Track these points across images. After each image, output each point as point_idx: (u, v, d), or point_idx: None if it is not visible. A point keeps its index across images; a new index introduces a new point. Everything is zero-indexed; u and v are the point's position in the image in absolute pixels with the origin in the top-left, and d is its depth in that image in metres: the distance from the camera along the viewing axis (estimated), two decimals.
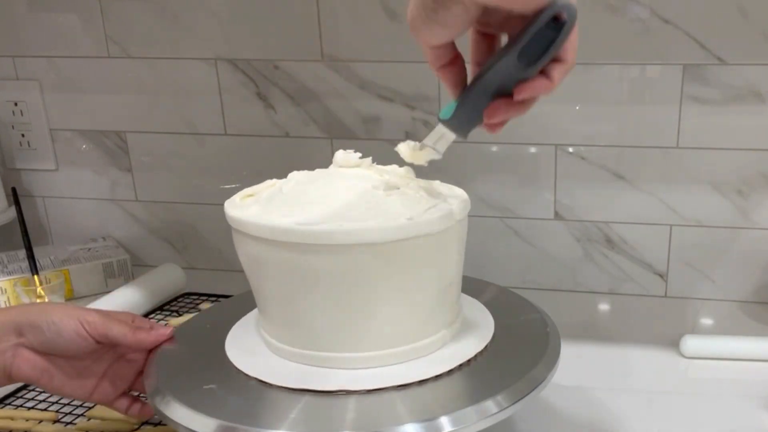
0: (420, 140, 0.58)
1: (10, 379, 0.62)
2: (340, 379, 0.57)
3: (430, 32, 0.49)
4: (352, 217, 0.57)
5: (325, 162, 0.66)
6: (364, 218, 0.56)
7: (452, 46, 0.52)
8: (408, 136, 0.98)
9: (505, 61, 0.50)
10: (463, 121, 0.55)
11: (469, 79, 0.54)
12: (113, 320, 0.63)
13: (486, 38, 0.53)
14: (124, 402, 0.66)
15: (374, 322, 0.59)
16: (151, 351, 0.65)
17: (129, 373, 0.66)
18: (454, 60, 0.53)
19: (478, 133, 1.01)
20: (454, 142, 0.57)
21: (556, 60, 0.49)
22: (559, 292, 1.01)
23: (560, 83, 0.51)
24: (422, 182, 0.65)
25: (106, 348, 0.65)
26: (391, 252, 0.56)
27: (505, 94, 0.51)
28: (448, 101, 1.02)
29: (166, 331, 0.66)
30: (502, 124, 0.54)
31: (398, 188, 0.61)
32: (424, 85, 0.96)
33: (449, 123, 0.55)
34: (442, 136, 0.57)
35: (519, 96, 0.50)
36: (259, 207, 0.62)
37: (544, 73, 0.50)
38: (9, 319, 0.61)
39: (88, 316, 0.62)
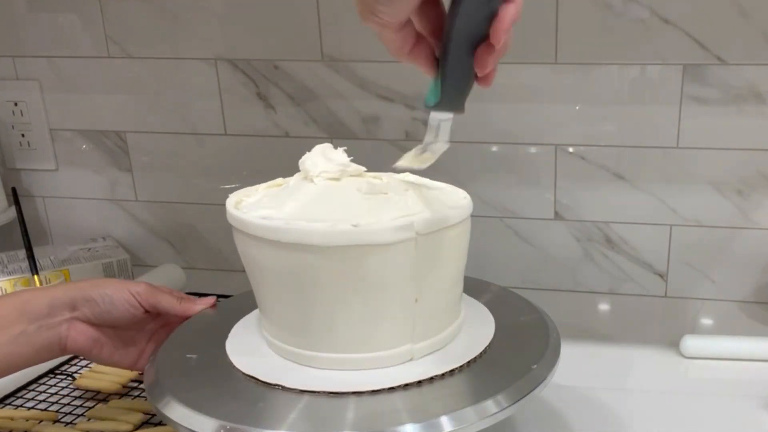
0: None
1: (64, 351, 0.66)
2: (341, 380, 0.57)
3: (390, 9, 0.47)
4: (315, 216, 0.57)
5: None
6: (328, 219, 0.56)
7: (413, 26, 0.50)
8: (408, 135, 0.98)
9: (471, 5, 0.47)
10: (454, 93, 0.52)
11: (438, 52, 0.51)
12: (159, 291, 0.69)
13: (430, 7, 0.50)
14: None
15: (371, 324, 0.58)
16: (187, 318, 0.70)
17: None
18: (419, 40, 0.51)
19: (479, 133, 1.01)
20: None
21: None
22: (559, 292, 1.01)
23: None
24: (430, 186, 0.66)
25: (149, 318, 0.70)
26: (338, 257, 0.55)
27: (478, 43, 0.49)
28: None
29: (210, 300, 0.72)
30: (494, 73, 0.51)
31: (385, 193, 0.60)
32: (424, 85, 0.96)
33: (442, 104, 0.52)
34: (440, 125, 0.53)
35: (499, 32, 0.47)
36: (259, 198, 0.63)
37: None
38: (62, 295, 0.65)
39: (136, 287, 0.68)
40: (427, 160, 0.55)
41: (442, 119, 0.53)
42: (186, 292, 1.00)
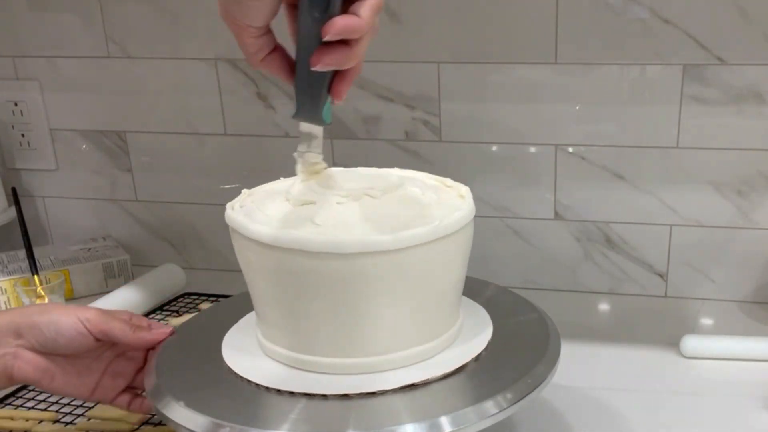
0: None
1: (12, 381, 0.62)
2: (340, 383, 0.57)
3: (247, 12, 0.48)
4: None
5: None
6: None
7: (271, 34, 0.51)
8: (408, 136, 0.98)
9: (303, 17, 0.48)
10: (307, 104, 0.53)
11: None
12: (112, 318, 0.64)
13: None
14: (125, 398, 0.66)
15: (371, 329, 0.58)
16: (150, 349, 0.66)
17: (129, 370, 0.66)
18: (275, 49, 0.52)
19: (479, 133, 1.01)
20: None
21: None
22: (559, 292, 1.01)
23: (372, 22, 0.49)
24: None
25: (105, 346, 0.65)
26: (378, 262, 0.56)
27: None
28: (449, 100, 1.02)
29: (167, 330, 0.66)
30: (342, 84, 0.52)
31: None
32: (424, 85, 0.96)
33: (299, 114, 0.53)
34: (310, 134, 0.56)
35: (326, 35, 0.47)
36: (250, 210, 0.63)
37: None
38: (8, 321, 0.61)
39: (86, 313, 0.63)
40: (314, 168, 0.59)
41: (311, 130, 0.56)
42: (186, 293, 1.01)
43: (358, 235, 0.55)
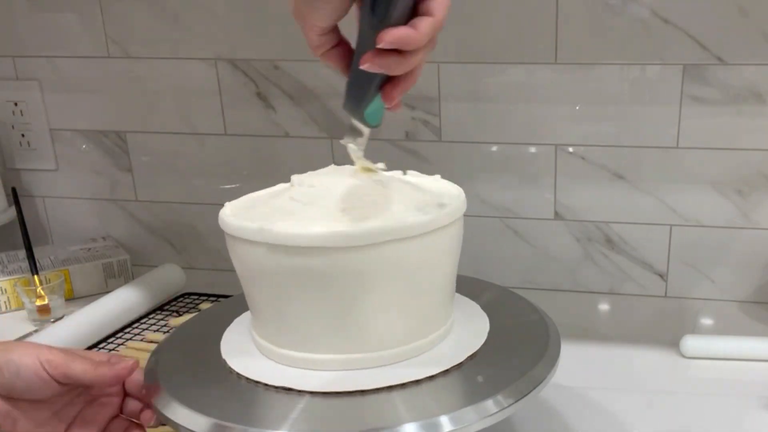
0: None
1: None
2: (341, 380, 0.57)
3: (317, 13, 0.50)
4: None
5: (325, 162, 0.67)
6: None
7: (337, 31, 0.52)
8: (408, 136, 0.98)
9: (363, 21, 0.49)
10: (353, 99, 0.54)
11: None
12: (74, 357, 0.58)
13: None
14: None
15: (362, 324, 0.58)
16: (126, 394, 0.62)
17: (100, 417, 0.61)
18: (338, 44, 0.53)
19: (479, 133, 1.01)
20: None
21: (424, 14, 0.48)
22: (559, 292, 1.01)
23: (429, 37, 0.49)
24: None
25: (75, 392, 0.60)
26: (371, 254, 0.56)
27: None
28: (449, 100, 1.02)
29: (127, 364, 0.59)
30: (393, 90, 0.53)
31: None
32: (424, 85, 0.96)
33: (345, 107, 0.55)
34: (357, 130, 0.57)
35: (380, 43, 0.48)
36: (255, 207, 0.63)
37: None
38: None
39: (48, 354, 0.57)
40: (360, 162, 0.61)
41: (356, 125, 0.57)
42: (185, 293, 1.01)
43: (342, 229, 0.55)
